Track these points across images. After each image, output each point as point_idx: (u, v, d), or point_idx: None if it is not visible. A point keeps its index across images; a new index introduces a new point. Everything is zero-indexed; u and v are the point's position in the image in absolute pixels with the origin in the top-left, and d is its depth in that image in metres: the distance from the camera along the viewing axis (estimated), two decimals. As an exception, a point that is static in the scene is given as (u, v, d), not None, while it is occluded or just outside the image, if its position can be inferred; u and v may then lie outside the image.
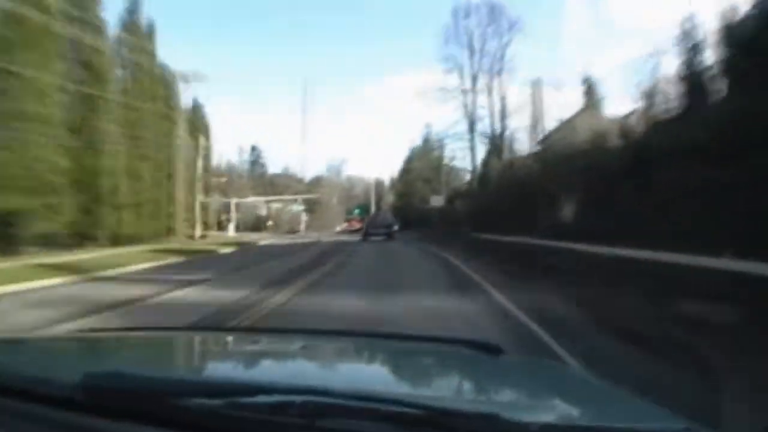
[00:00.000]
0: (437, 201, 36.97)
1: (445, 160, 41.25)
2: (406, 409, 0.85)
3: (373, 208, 62.26)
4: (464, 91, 32.55)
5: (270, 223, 65.68)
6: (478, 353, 1.38)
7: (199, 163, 34.09)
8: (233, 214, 44.87)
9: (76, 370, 0.99)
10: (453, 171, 39.98)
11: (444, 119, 41.81)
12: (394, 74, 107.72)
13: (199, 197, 33.74)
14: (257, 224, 66.60)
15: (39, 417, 0.95)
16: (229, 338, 1.95)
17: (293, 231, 58.99)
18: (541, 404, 1.15)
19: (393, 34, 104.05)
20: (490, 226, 21.53)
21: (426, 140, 50.68)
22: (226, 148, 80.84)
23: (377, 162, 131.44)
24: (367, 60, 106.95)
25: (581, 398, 1.17)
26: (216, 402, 0.90)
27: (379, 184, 70.91)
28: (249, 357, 1.58)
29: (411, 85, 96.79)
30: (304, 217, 67.84)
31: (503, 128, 31.87)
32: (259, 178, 78.61)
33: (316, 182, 77.25)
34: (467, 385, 1.37)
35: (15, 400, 0.98)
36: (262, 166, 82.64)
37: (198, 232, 32.80)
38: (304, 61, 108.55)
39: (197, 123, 38.33)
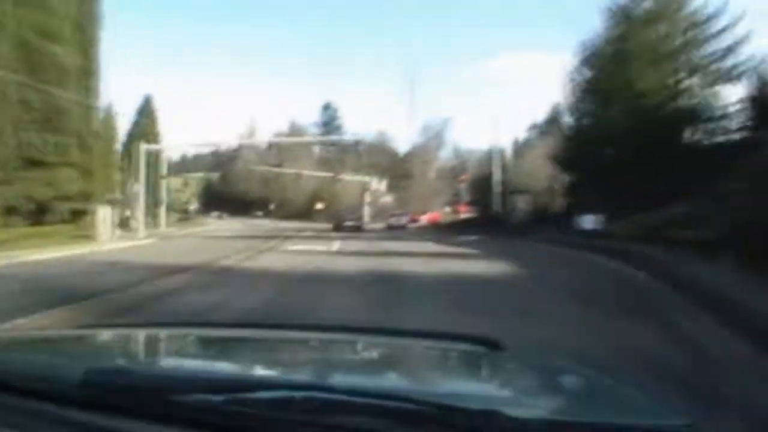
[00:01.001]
0: None
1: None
2: (407, 405, 0.85)
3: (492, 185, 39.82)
4: None
5: (319, 206, 43.05)
6: (479, 348, 1.38)
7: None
8: (164, 192, 22.93)
9: (77, 366, 1.00)
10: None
11: None
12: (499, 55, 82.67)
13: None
14: (309, 207, 44.95)
15: (41, 414, 0.94)
16: (230, 333, 1.85)
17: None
18: (542, 400, 1.10)
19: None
20: None
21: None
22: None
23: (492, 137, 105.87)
24: (477, 39, 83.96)
25: (582, 394, 1.16)
26: (217, 398, 0.89)
27: (495, 154, 45.76)
28: (250, 352, 1.55)
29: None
30: (382, 197, 44.37)
31: None
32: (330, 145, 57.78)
33: (411, 156, 54.59)
34: (468, 381, 1.34)
35: (17, 397, 0.97)
36: (337, 129, 61.65)
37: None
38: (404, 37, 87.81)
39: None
